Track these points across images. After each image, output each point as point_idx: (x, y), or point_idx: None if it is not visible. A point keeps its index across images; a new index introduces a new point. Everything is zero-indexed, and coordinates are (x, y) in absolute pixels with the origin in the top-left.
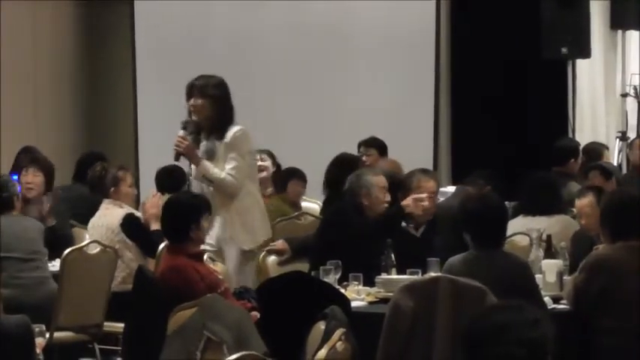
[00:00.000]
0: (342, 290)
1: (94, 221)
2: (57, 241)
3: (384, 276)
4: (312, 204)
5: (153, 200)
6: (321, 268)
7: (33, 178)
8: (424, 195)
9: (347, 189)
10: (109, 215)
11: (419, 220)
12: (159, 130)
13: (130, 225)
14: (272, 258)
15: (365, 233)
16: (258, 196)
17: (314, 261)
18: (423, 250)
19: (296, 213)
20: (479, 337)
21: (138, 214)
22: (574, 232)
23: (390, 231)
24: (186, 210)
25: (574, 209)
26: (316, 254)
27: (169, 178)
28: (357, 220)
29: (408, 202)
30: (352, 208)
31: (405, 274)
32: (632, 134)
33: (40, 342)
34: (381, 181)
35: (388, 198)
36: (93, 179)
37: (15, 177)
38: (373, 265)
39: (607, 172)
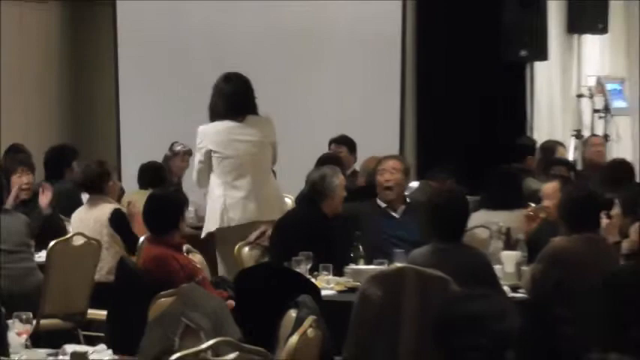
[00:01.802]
0: (313, 280)
1: (80, 214)
2: (51, 231)
3: (352, 266)
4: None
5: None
6: (293, 258)
7: (28, 178)
8: None
9: (311, 190)
10: (97, 209)
11: (389, 200)
12: (140, 127)
13: (118, 220)
14: (246, 249)
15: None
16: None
17: (277, 257)
18: (403, 230)
19: None
20: (449, 326)
21: (124, 209)
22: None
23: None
24: (175, 203)
25: (532, 204)
26: (280, 249)
27: (152, 174)
28: (315, 221)
29: None
30: (313, 209)
31: (384, 256)
32: (586, 133)
33: (27, 329)
34: (343, 180)
35: (345, 194)
36: (89, 176)
37: None
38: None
39: (571, 166)
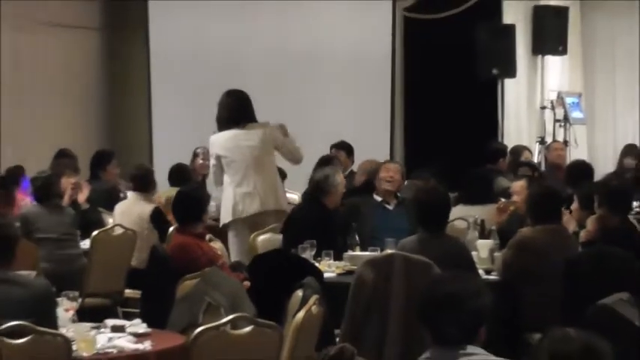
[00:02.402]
0: (316, 264)
1: (122, 207)
2: (90, 222)
3: (350, 252)
4: (292, 194)
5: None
6: (299, 246)
7: (75, 179)
8: None
9: (317, 188)
10: (140, 205)
11: (387, 197)
12: (169, 134)
13: (158, 218)
14: (261, 238)
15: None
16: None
17: (286, 245)
18: (395, 220)
19: None
20: (432, 303)
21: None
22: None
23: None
24: (198, 199)
25: (503, 199)
26: (290, 238)
27: (179, 174)
28: (319, 215)
29: None
30: (317, 203)
31: (380, 241)
32: (549, 139)
33: (73, 305)
34: (343, 179)
35: (344, 190)
36: (140, 176)
37: None
38: (335, 244)
39: (534, 167)
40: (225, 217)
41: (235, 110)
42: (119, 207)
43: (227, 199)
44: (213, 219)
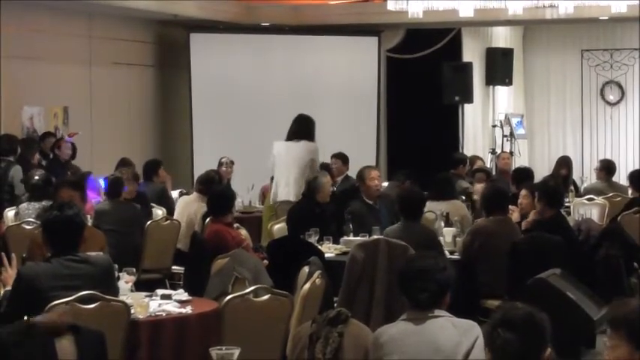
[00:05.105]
0: (319, 246)
1: (185, 200)
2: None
3: (345, 238)
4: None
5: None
6: (306, 233)
7: (134, 186)
8: None
9: (308, 188)
10: (198, 203)
11: (372, 198)
12: (206, 149)
13: (206, 216)
14: (276, 227)
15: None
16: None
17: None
18: (379, 215)
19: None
20: (409, 276)
21: None
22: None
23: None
24: (229, 196)
25: (463, 197)
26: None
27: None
28: (312, 207)
29: None
30: (311, 199)
31: (368, 231)
32: (498, 150)
33: (132, 278)
34: (329, 181)
35: (331, 189)
36: (205, 180)
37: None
38: (332, 231)
39: (488, 173)
40: (273, 199)
41: (295, 129)
42: (183, 200)
43: (273, 187)
44: (239, 212)
